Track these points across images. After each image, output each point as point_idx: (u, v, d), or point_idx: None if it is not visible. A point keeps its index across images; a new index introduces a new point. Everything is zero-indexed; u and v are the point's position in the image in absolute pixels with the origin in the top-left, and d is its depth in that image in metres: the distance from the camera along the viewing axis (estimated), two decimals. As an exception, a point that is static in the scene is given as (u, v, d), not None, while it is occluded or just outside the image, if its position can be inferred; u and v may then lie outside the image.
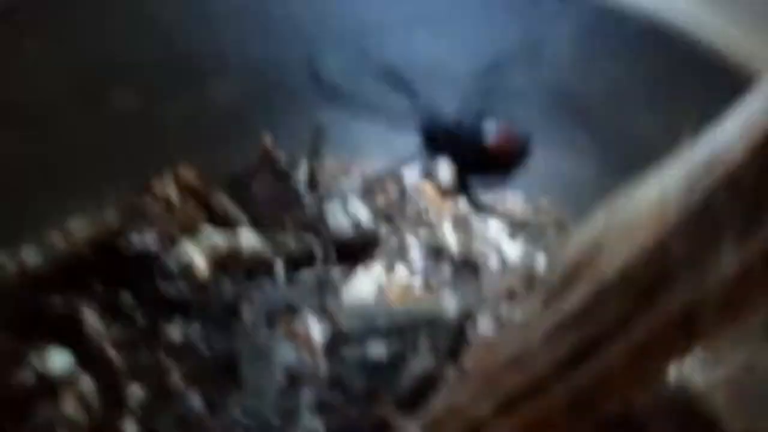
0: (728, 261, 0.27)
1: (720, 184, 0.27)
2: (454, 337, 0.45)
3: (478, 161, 0.37)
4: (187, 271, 0.51)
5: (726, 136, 0.27)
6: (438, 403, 0.37)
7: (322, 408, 0.46)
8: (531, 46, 0.32)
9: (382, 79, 0.35)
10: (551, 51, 0.36)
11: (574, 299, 0.31)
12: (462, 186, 0.38)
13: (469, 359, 0.37)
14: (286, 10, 0.49)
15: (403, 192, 0.57)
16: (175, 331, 0.51)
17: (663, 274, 0.29)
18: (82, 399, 0.47)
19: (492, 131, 0.35)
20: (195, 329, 0.51)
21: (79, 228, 0.50)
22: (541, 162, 0.50)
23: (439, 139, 0.36)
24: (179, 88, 0.57)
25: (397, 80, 0.35)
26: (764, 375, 0.43)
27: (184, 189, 0.53)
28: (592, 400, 0.32)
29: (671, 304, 0.29)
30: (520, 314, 0.34)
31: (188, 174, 0.54)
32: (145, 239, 0.51)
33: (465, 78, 0.35)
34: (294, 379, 0.47)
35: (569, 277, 0.31)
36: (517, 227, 0.53)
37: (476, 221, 0.53)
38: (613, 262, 0.30)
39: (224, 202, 0.54)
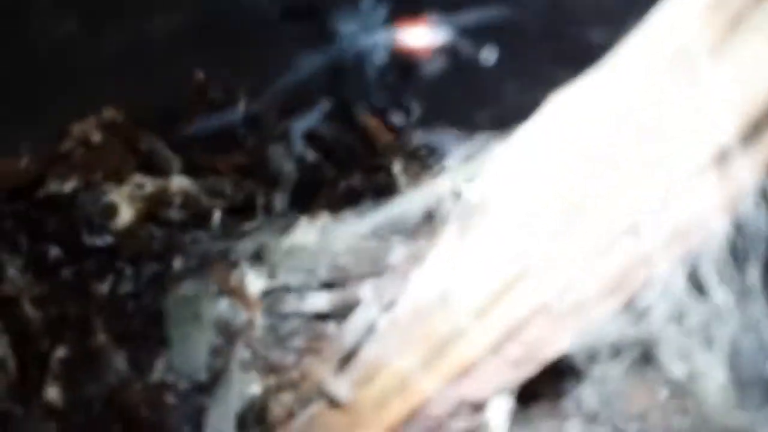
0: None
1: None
2: (399, 286, 0.41)
3: None
4: (111, 220, 0.47)
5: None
6: (367, 356, 0.34)
7: (256, 365, 0.43)
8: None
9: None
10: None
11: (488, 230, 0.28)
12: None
13: (401, 307, 0.33)
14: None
15: (352, 130, 0.52)
16: (102, 286, 0.47)
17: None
18: (-3, 361, 0.44)
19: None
20: (123, 283, 0.47)
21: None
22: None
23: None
24: (113, 19, 0.52)
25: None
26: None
27: (109, 131, 0.49)
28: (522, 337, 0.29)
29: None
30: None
31: (114, 114, 0.49)
32: (65, 186, 0.47)
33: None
34: (227, 335, 0.44)
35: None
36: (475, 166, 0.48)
37: (430, 160, 0.49)
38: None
39: (154, 145, 0.49)
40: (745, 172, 0.24)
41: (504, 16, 0.32)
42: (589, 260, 0.28)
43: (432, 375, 0.31)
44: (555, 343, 0.30)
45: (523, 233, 0.28)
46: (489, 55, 0.34)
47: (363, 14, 0.33)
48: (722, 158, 0.24)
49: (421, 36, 0.32)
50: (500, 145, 0.32)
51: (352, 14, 0.33)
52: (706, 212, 0.25)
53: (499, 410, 0.33)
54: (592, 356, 0.31)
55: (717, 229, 0.25)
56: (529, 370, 0.30)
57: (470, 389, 0.31)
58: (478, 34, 0.33)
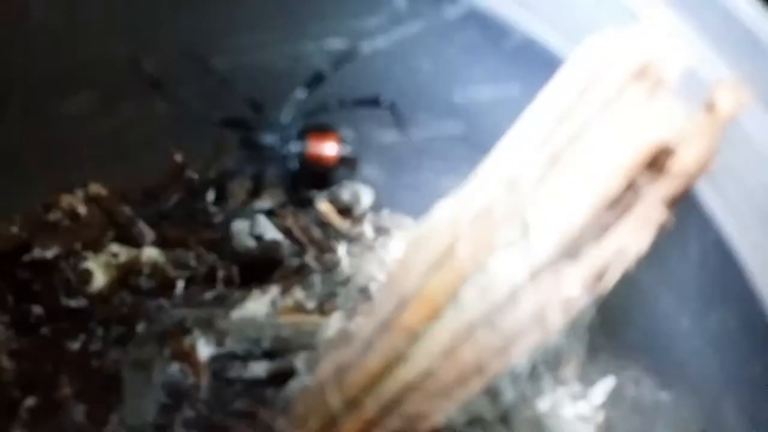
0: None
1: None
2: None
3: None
4: (87, 285, 0.53)
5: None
6: (281, 423, 0.38)
7: (198, 425, 0.47)
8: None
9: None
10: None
11: (380, 311, 0.32)
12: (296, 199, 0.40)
13: (314, 379, 0.38)
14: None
15: (313, 214, 0.58)
16: (74, 344, 0.53)
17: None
18: (-28, 406, 0.49)
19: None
20: (92, 342, 0.52)
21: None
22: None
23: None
24: (109, 103, 0.58)
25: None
26: (632, 405, 0.43)
27: (93, 204, 0.55)
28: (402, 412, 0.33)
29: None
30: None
31: (98, 189, 0.56)
32: (47, 252, 0.53)
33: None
34: (175, 396, 0.48)
35: (379, 290, 0.33)
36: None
37: (377, 242, 0.54)
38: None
39: (131, 218, 0.55)
40: (570, 285, 0.29)
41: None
42: (451, 347, 0.32)
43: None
44: (429, 417, 0.34)
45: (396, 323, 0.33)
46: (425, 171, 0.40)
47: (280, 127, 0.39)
48: (545, 271, 0.29)
49: (328, 148, 0.38)
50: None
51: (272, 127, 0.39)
52: (542, 314, 0.30)
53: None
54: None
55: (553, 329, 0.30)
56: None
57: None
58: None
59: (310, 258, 0.56)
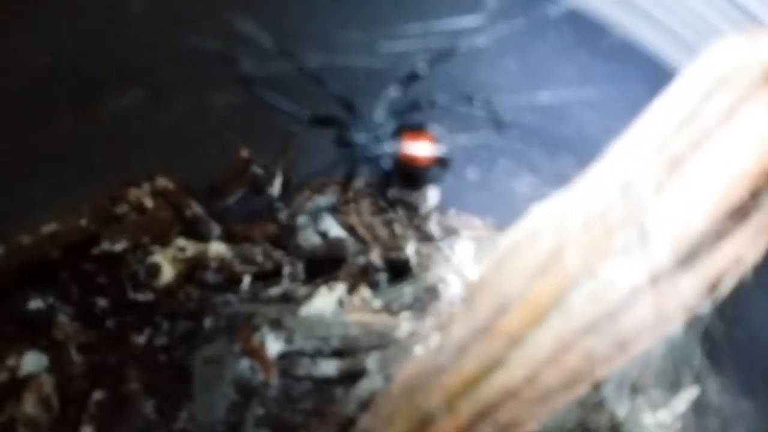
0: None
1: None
2: (402, 360, 0.45)
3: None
4: (155, 279, 0.52)
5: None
6: (364, 424, 0.38)
7: (268, 423, 0.47)
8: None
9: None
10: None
11: (476, 316, 0.32)
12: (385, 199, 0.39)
13: (394, 382, 0.37)
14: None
15: (375, 210, 0.57)
16: (140, 338, 0.53)
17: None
18: (43, 399, 0.49)
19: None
20: (158, 337, 0.53)
21: (52, 230, 0.51)
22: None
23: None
24: (171, 97, 0.58)
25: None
26: (712, 415, 0.43)
27: (160, 197, 0.55)
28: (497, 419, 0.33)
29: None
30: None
31: (165, 183, 0.56)
32: (116, 246, 0.53)
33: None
34: (245, 393, 0.48)
35: (473, 294, 0.32)
36: (483, 250, 0.53)
37: (443, 244, 0.53)
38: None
39: (198, 212, 0.55)
40: (680, 293, 0.28)
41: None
42: (553, 354, 0.31)
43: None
44: (523, 425, 0.34)
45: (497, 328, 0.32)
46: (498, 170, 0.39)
47: (373, 126, 0.39)
48: (659, 279, 0.28)
49: (422, 148, 0.37)
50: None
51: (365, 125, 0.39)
52: (648, 323, 0.29)
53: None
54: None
55: (657, 339, 0.29)
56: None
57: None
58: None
59: (375, 256, 0.55)
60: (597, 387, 0.33)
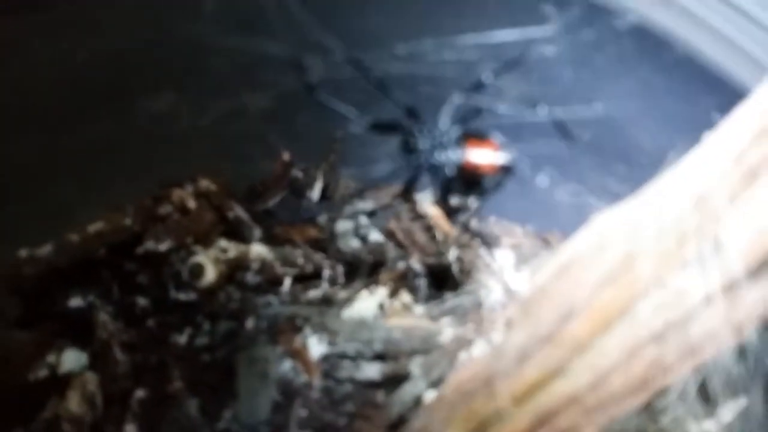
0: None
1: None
2: (446, 365, 0.45)
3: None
4: (198, 279, 0.53)
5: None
6: (414, 427, 0.38)
7: (311, 425, 0.47)
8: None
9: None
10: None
11: (538, 323, 0.32)
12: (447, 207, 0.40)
13: (448, 385, 0.38)
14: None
15: (415, 216, 0.57)
16: (181, 337, 0.53)
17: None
18: (87, 397, 0.49)
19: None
20: (200, 337, 0.53)
21: (97, 229, 0.52)
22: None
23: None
24: (211, 98, 0.59)
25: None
26: (758, 423, 0.43)
27: (203, 198, 0.55)
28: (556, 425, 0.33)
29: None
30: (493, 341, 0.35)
31: (208, 184, 0.56)
32: (160, 245, 0.53)
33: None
34: (288, 394, 0.48)
35: (532, 301, 0.33)
36: (523, 258, 0.53)
37: (483, 250, 0.53)
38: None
39: (240, 214, 0.55)
40: (751, 302, 0.28)
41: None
42: (618, 362, 0.32)
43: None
44: (583, 430, 0.34)
45: (561, 335, 0.32)
46: (543, 178, 0.39)
47: (438, 133, 0.39)
48: (731, 288, 0.29)
49: (487, 155, 0.38)
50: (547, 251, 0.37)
51: (429, 132, 0.39)
52: (718, 332, 0.29)
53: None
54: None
55: (725, 347, 0.30)
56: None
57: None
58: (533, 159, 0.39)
59: (415, 261, 0.55)
60: (661, 395, 0.33)
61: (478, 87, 0.37)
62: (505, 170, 0.38)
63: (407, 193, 0.39)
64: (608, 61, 0.37)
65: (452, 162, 0.38)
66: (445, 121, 0.38)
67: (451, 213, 0.53)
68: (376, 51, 0.36)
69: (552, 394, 0.33)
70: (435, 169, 0.39)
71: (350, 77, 0.36)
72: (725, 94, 0.30)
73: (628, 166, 0.35)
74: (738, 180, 0.29)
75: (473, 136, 0.38)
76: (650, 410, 0.35)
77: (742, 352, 0.30)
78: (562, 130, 0.38)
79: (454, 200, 0.39)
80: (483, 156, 0.37)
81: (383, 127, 0.39)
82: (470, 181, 0.39)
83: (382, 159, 0.39)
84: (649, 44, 0.35)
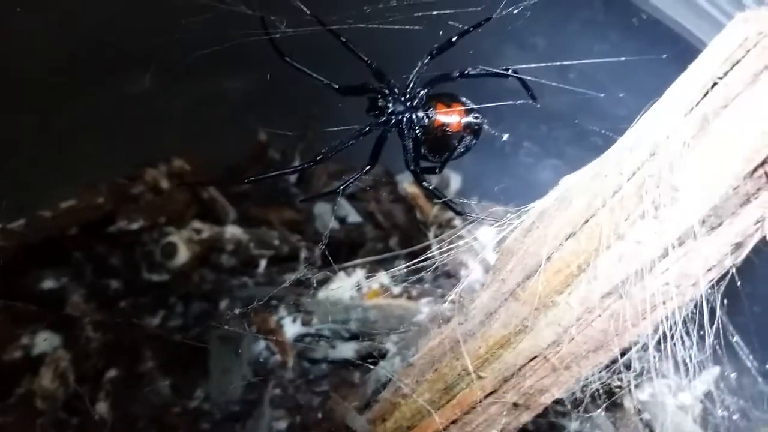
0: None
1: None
2: (422, 343, 0.45)
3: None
4: (171, 259, 0.52)
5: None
6: (385, 395, 0.37)
7: (285, 404, 0.47)
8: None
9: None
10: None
11: (503, 282, 0.32)
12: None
13: (418, 353, 0.37)
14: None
15: (395, 198, 0.57)
16: (154, 319, 0.52)
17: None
18: (59, 373, 0.48)
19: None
20: (173, 317, 0.52)
21: (69, 206, 0.51)
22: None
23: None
24: (186, 79, 0.57)
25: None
26: (728, 398, 0.42)
27: (177, 179, 0.54)
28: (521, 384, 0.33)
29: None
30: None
31: (182, 164, 0.55)
32: (133, 225, 0.52)
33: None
34: (262, 374, 0.48)
35: (500, 263, 0.32)
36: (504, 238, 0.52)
37: (464, 231, 0.53)
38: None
39: (215, 195, 0.55)
40: (709, 252, 0.28)
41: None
42: (579, 316, 0.31)
43: (439, 414, 0.34)
44: (549, 390, 0.33)
45: (524, 292, 0.32)
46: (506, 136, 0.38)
47: (408, 94, 0.38)
48: (687, 240, 0.28)
49: (455, 116, 0.37)
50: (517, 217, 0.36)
51: (400, 96, 0.38)
52: (676, 285, 0.29)
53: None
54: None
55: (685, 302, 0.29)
56: (526, 414, 0.34)
57: (472, 428, 0.34)
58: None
59: (393, 242, 0.55)
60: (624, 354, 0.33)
61: (444, 48, 0.36)
62: (475, 131, 0.37)
63: (374, 159, 0.38)
64: (579, 26, 0.37)
65: (422, 123, 0.37)
66: (414, 81, 0.38)
67: (431, 194, 0.52)
68: (346, 10, 0.35)
69: (516, 353, 0.33)
70: (404, 131, 0.39)
71: (318, 39, 0.35)
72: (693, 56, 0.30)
73: (604, 136, 0.34)
74: (690, 128, 0.28)
75: (441, 97, 0.38)
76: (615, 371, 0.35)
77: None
78: (530, 91, 0.38)
79: (425, 162, 0.39)
80: (451, 116, 0.37)
81: (354, 90, 0.38)
82: (439, 140, 0.38)
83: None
84: (615, 9, 0.34)
